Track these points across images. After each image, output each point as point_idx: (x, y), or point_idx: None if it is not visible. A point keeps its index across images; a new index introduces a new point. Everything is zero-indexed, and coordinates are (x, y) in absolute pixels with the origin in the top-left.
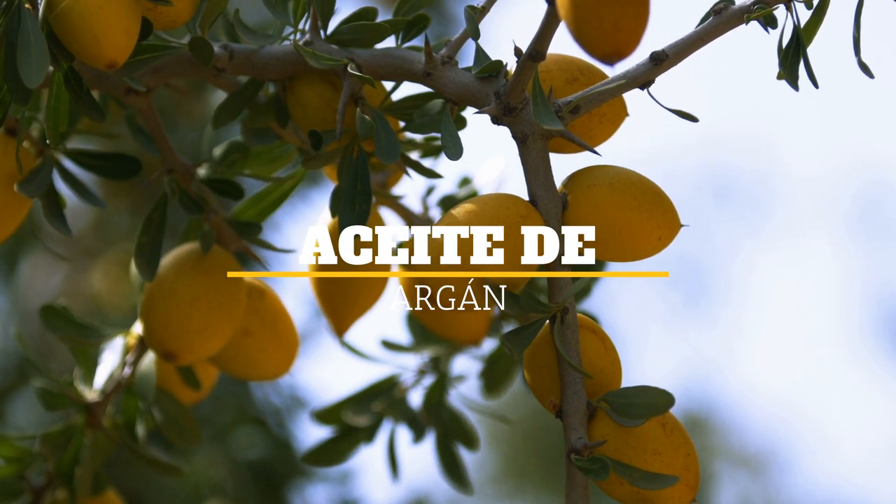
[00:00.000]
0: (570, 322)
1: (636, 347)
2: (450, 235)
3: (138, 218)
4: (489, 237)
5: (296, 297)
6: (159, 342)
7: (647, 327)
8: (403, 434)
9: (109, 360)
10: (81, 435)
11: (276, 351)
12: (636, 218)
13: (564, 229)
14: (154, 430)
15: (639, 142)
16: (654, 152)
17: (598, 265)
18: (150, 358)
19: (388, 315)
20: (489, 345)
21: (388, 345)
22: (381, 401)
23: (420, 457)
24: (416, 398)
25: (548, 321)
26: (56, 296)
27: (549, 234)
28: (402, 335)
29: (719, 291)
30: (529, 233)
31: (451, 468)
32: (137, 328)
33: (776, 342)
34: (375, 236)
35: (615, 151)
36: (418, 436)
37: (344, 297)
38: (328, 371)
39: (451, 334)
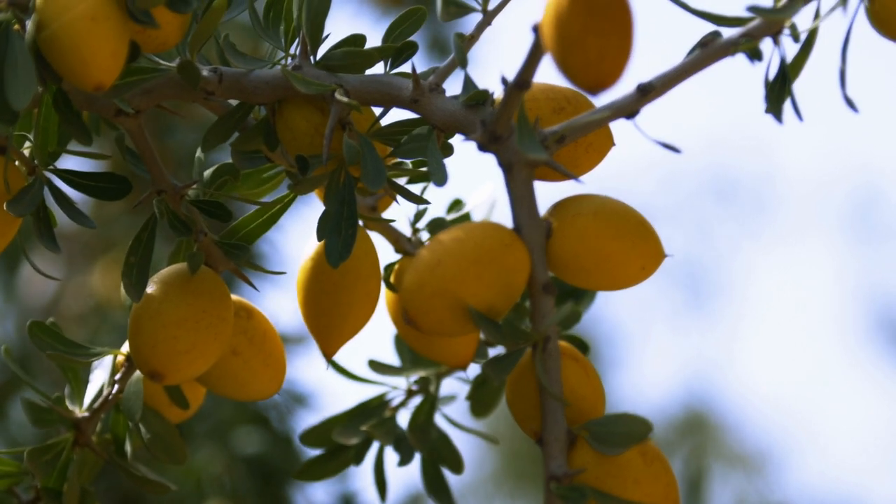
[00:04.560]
0: (551, 350)
1: (637, 347)
2: (434, 261)
3: (139, 217)
4: (473, 264)
5: (293, 297)
6: (146, 362)
7: (648, 327)
8: (391, 453)
9: (99, 378)
10: (70, 451)
11: (264, 370)
12: (620, 247)
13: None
14: (142, 447)
15: (641, 145)
16: (657, 155)
17: (582, 294)
18: (137, 376)
19: (379, 336)
20: (477, 367)
21: (376, 365)
22: (369, 421)
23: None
24: (404, 418)
25: (530, 349)
26: (56, 295)
27: (533, 261)
28: (391, 356)
29: (719, 292)
30: (512, 261)
31: (437, 490)
32: (126, 346)
33: (775, 342)
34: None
35: (619, 155)
36: (405, 458)
37: (332, 319)
38: (327, 371)
39: (439, 358)
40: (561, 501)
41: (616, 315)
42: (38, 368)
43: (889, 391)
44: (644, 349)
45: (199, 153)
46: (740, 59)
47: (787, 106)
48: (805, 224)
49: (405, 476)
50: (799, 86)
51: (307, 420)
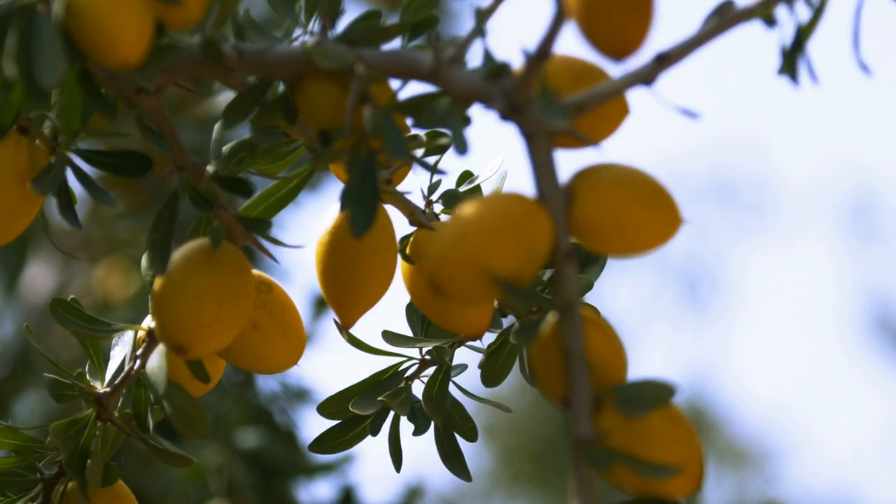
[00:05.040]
0: (574, 316)
1: (636, 344)
2: (459, 231)
3: (138, 220)
4: (496, 233)
5: (300, 295)
6: (170, 336)
7: (648, 325)
8: (405, 424)
9: (119, 354)
10: (93, 426)
11: (283, 343)
12: (640, 214)
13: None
14: (161, 423)
15: (642, 145)
16: (657, 157)
17: (594, 261)
18: (160, 351)
19: (387, 308)
20: (488, 336)
21: (390, 336)
22: (384, 391)
23: (412, 445)
24: (418, 389)
25: (553, 315)
26: (56, 295)
27: (555, 229)
28: (402, 328)
29: (718, 291)
30: (535, 228)
31: (452, 458)
32: (147, 322)
33: (773, 342)
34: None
35: (620, 155)
36: (419, 428)
37: (350, 291)
38: (326, 369)
39: (455, 327)
40: (589, 464)
41: (615, 313)
42: (38, 366)
43: (887, 391)
44: (643, 347)
45: (216, 127)
46: (741, 59)
47: (792, 105)
48: (803, 224)
49: (405, 473)
50: (799, 86)
51: (308, 416)
